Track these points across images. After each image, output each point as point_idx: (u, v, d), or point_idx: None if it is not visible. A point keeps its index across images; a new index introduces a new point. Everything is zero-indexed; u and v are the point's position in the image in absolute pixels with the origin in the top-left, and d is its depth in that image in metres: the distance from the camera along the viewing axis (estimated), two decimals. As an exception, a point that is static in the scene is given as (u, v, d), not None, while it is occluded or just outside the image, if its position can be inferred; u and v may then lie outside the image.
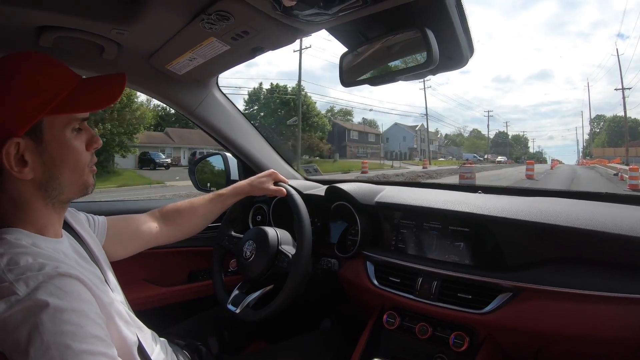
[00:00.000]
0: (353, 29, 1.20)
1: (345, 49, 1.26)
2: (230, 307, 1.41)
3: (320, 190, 1.76)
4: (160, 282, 1.82)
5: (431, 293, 1.26)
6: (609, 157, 49.99)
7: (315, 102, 50.02)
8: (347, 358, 1.35)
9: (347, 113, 77.26)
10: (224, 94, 1.84)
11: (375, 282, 1.40)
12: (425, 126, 71.04)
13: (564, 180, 21.87)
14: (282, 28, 1.15)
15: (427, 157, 56.38)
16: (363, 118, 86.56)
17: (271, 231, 1.45)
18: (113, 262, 1.11)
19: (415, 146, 73.30)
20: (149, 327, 1.09)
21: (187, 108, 1.75)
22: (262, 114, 47.98)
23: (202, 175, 2.08)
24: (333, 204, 1.65)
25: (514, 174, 25.96)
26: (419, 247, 1.40)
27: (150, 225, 1.32)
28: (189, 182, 2.03)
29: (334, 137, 57.40)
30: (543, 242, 1.17)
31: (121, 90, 0.89)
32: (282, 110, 46.04)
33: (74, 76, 0.87)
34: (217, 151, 2.06)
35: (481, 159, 76.17)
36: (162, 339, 1.18)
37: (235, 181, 1.59)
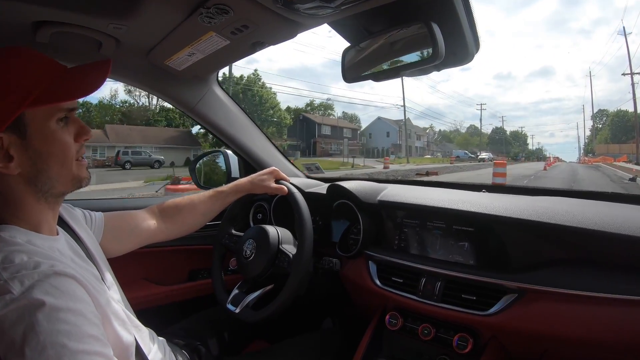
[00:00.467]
0: (356, 23, 1.19)
1: (347, 44, 1.24)
2: (229, 306, 1.40)
3: (322, 188, 1.74)
4: (160, 281, 1.81)
5: (434, 294, 1.24)
6: (614, 154, 46.93)
7: (275, 94, 48.39)
8: (348, 358, 1.33)
9: (327, 107, 73.31)
10: (225, 90, 1.82)
11: (378, 282, 1.38)
12: (409, 120, 69.55)
13: (559, 186, 15.63)
14: (283, 22, 1.13)
15: (407, 153, 54.19)
16: (343, 112, 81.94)
17: (272, 230, 1.44)
18: (112, 261, 1.10)
19: (399, 142, 69.02)
20: (148, 326, 1.08)
21: (186, 105, 1.74)
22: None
23: (203, 173, 2.06)
24: (335, 203, 1.63)
25: (479, 179, 19.96)
26: (422, 247, 1.38)
27: (148, 221, 1.31)
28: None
29: (303, 132, 54.98)
30: (549, 242, 1.15)
31: (105, 76, 0.86)
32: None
33: (56, 67, 0.86)
34: (217, 149, 2.04)
35: (473, 156, 71.09)
36: (160, 338, 1.17)
37: (236, 179, 1.57)
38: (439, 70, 1.15)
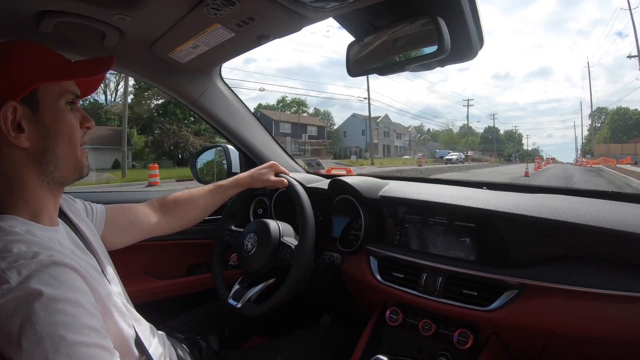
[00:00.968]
0: (361, 17, 1.18)
1: (351, 39, 1.24)
2: (231, 301, 1.40)
3: (324, 183, 1.74)
4: (159, 275, 1.81)
5: (435, 289, 1.24)
6: (615, 155, 39.71)
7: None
8: (347, 354, 1.33)
9: (300, 103, 69.61)
10: (227, 85, 1.82)
11: (379, 277, 1.38)
12: (389, 117, 65.60)
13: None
14: (289, 15, 1.13)
15: (372, 154, 46.18)
16: (315, 109, 77.22)
17: (273, 223, 1.44)
18: (111, 254, 1.09)
19: (375, 141, 61.03)
20: (147, 320, 1.07)
21: (189, 98, 1.74)
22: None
23: (204, 168, 2.06)
24: (336, 198, 1.63)
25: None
26: (423, 243, 1.38)
27: (148, 215, 1.31)
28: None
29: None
30: (550, 239, 1.15)
31: (109, 65, 0.92)
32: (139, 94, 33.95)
33: (63, 58, 0.90)
34: (218, 143, 2.04)
35: (459, 156, 62.28)
36: (160, 332, 1.16)
37: (236, 174, 1.57)
38: (442, 65, 1.15)
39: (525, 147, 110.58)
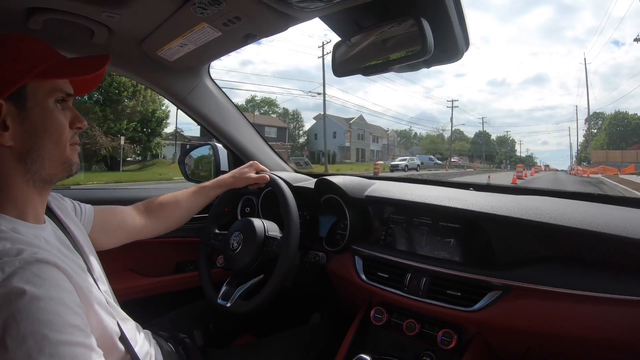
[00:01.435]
0: (347, 18, 1.19)
1: (338, 39, 1.25)
2: (220, 302, 1.41)
3: (310, 183, 1.75)
4: (147, 273, 1.81)
5: (420, 289, 1.25)
6: (615, 163, 36.24)
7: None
8: (334, 353, 1.33)
9: (270, 103, 66.72)
10: (216, 83, 1.82)
11: (364, 276, 1.39)
12: (364, 119, 60.20)
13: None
14: (275, 15, 1.14)
15: (327, 160, 40.94)
16: (284, 108, 69.99)
17: (257, 221, 1.45)
18: (99, 252, 1.09)
19: (347, 144, 58.56)
20: (134, 318, 1.07)
21: (177, 96, 1.74)
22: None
23: (192, 166, 2.06)
24: (323, 197, 1.63)
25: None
26: (408, 243, 1.39)
27: (135, 218, 1.33)
28: None
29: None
30: (534, 240, 1.16)
31: (105, 63, 0.89)
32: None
33: (58, 54, 0.88)
34: (207, 142, 2.04)
35: (440, 162, 58.25)
36: (146, 330, 1.17)
37: (225, 172, 1.58)
38: (428, 66, 1.16)
39: (518, 154, 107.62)
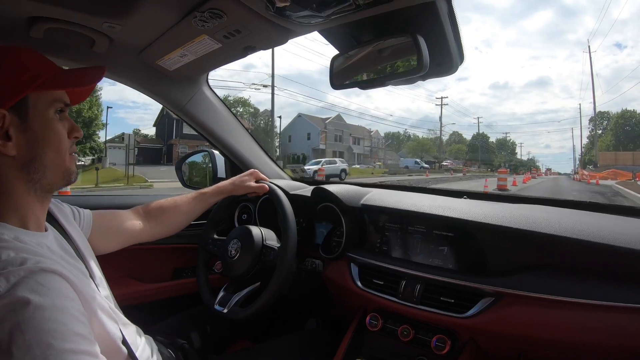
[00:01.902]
0: (345, 32, 1.21)
1: (336, 52, 1.27)
2: (217, 307, 1.42)
3: (307, 191, 1.76)
4: (145, 279, 1.81)
5: (414, 296, 1.27)
6: (625, 166, 31.89)
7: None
8: (330, 359, 1.35)
9: (243, 103, 61.62)
10: (214, 92, 1.84)
11: (359, 284, 1.41)
12: (343, 119, 55.95)
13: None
14: (275, 28, 1.16)
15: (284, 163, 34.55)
16: (255, 108, 65.03)
17: (255, 229, 1.47)
18: (97, 258, 1.10)
19: (322, 146, 53.44)
20: (133, 324, 1.08)
21: (176, 104, 1.75)
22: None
23: (189, 173, 2.07)
24: (319, 205, 1.65)
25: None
26: (403, 250, 1.41)
27: (134, 221, 1.33)
28: None
29: (164, 132, 43.35)
30: (525, 248, 1.18)
31: (101, 74, 0.93)
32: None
33: (55, 65, 0.90)
34: (204, 149, 2.05)
35: (427, 166, 56.11)
36: (147, 335, 1.17)
37: (222, 179, 1.60)
38: (424, 80, 1.18)
39: (518, 157, 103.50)
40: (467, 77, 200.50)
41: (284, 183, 1.74)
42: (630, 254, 1.01)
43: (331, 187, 1.57)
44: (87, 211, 1.18)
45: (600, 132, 67.06)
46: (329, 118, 57.40)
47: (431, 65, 1.06)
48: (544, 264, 1.15)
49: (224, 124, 1.90)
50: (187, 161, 2.08)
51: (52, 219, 0.98)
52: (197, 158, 2.09)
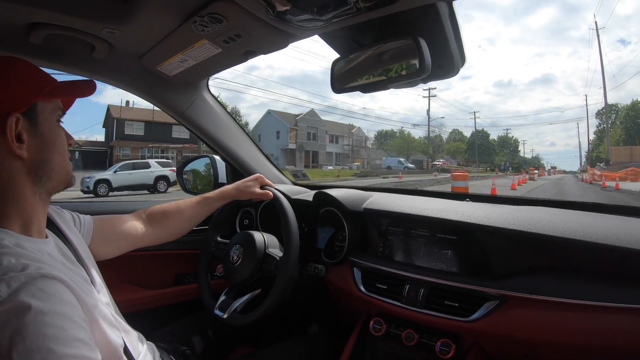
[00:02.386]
0: (345, 36, 1.21)
1: (337, 55, 1.26)
2: (217, 312, 1.41)
3: (309, 195, 1.76)
4: (145, 285, 1.80)
5: (418, 300, 1.27)
6: None
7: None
8: None
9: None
10: (215, 97, 1.84)
11: (362, 288, 1.40)
12: (317, 115, 51.21)
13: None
14: (275, 32, 1.16)
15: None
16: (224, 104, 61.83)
17: (258, 235, 1.46)
18: (99, 264, 1.09)
19: (291, 145, 49.20)
20: (134, 330, 1.08)
21: (176, 110, 1.75)
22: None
23: (190, 178, 2.07)
24: (321, 210, 1.65)
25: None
26: (406, 254, 1.40)
27: (136, 226, 1.32)
28: None
29: (111, 132, 39.84)
30: (529, 251, 1.18)
31: (93, 89, 0.98)
32: None
33: (52, 77, 0.94)
34: (205, 154, 2.05)
35: (412, 165, 52.69)
36: (149, 342, 1.17)
37: (223, 184, 1.60)
38: (425, 82, 1.18)
39: (521, 155, 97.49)
40: (470, 75, 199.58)
41: (286, 188, 1.73)
42: (637, 255, 1.00)
43: (333, 192, 1.56)
44: (88, 217, 1.18)
45: (608, 125, 56.26)
46: (300, 114, 52.00)
47: (433, 67, 1.06)
48: (548, 266, 1.15)
49: (225, 129, 1.90)
50: (188, 166, 2.08)
51: (52, 225, 0.99)
52: (198, 163, 2.09)
